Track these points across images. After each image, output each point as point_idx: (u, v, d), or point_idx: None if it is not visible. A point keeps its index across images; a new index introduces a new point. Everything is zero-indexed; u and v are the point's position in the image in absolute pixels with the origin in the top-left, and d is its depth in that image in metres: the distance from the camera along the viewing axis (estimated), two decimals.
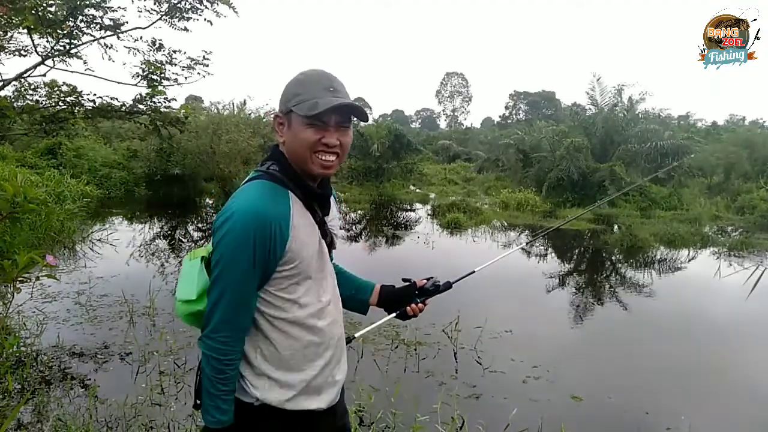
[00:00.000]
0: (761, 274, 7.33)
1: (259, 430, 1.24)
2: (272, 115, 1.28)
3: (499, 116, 65.65)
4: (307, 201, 1.25)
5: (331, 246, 1.34)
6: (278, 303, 1.21)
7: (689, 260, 8.90)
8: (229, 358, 1.17)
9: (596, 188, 15.61)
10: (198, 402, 1.33)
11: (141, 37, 5.46)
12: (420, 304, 1.53)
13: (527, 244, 9.51)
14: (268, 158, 1.28)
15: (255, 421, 1.24)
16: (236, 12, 5.57)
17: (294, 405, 1.24)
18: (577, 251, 9.97)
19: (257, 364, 1.23)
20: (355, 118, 1.26)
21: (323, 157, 1.20)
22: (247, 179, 1.26)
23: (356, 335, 1.60)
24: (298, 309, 1.22)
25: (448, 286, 1.59)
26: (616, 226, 12.21)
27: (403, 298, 1.53)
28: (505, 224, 12.26)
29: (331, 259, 1.39)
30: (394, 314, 1.54)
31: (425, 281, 1.55)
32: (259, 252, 1.14)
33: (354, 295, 1.53)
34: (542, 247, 9.64)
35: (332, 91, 1.18)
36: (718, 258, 8.88)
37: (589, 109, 18.47)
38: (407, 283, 1.56)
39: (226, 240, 1.15)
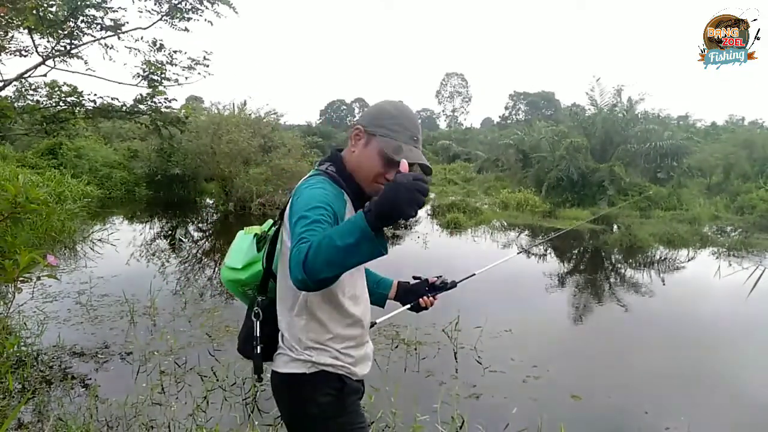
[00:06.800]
0: (761, 275, 7.33)
1: (314, 397, 1.37)
2: (356, 127, 1.38)
3: (499, 116, 65.61)
4: (357, 203, 1.40)
5: None
6: (325, 291, 1.32)
7: (689, 260, 8.91)
8: (328, 235, 1.07)
9: (596, 188, 15.64)
10: (259, 369, 1.43)
11: (141, 38, 5.49)
12: (431, 298, 1.71)
13: (532, 246, 9.51)
14: (327, 159, 1.43)
15: (310, 389, 1.37)
16: (236, 11, 5.61)
17: (343, 371, 1.40)
18: (576, 251, 9.98)
19: (306, 339, 1.36)
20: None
21: (380, 187, 1.35)
22: (306, 177, 1.39)
23: (377, 321, 1.73)
24: (341, 295, 1.38)
25: (453, 285, 1.77)
26: (615, 226, 12.23)
27: (417, 293, 1.72)
28: (505, 224, 12.28)
29: None
30: (408, 306, 1.71)
31: (435, 278, 1.75)
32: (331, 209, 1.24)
33: (375, 289, 1.70)
34: (542, 247, 9.65)
35: (415, 140, 1.36)
36: (717, 258, 8.89)
37: (589, 109, 18.49)
38: (419, 280, 1.75)
39: (305, 192, 1.27)
